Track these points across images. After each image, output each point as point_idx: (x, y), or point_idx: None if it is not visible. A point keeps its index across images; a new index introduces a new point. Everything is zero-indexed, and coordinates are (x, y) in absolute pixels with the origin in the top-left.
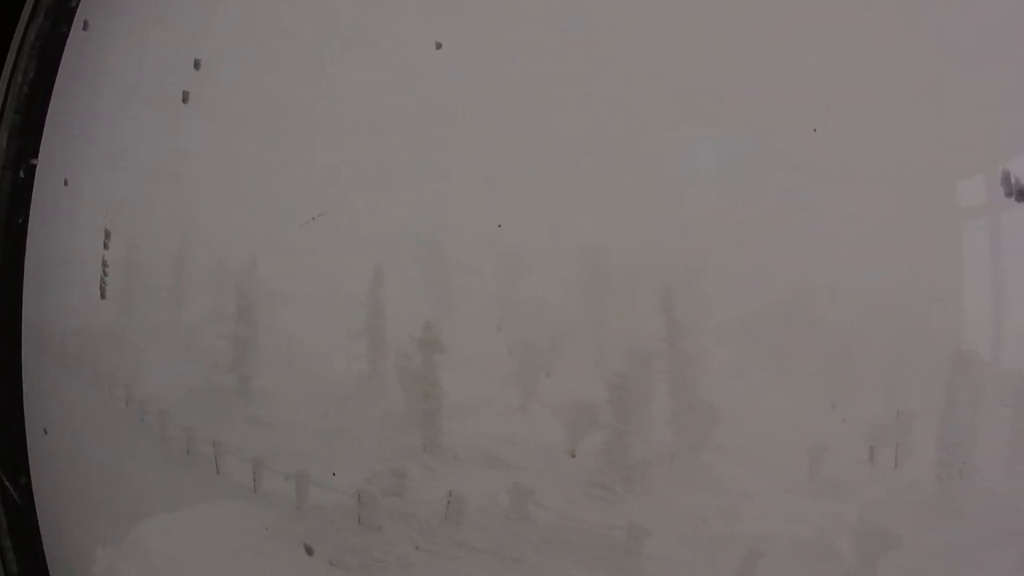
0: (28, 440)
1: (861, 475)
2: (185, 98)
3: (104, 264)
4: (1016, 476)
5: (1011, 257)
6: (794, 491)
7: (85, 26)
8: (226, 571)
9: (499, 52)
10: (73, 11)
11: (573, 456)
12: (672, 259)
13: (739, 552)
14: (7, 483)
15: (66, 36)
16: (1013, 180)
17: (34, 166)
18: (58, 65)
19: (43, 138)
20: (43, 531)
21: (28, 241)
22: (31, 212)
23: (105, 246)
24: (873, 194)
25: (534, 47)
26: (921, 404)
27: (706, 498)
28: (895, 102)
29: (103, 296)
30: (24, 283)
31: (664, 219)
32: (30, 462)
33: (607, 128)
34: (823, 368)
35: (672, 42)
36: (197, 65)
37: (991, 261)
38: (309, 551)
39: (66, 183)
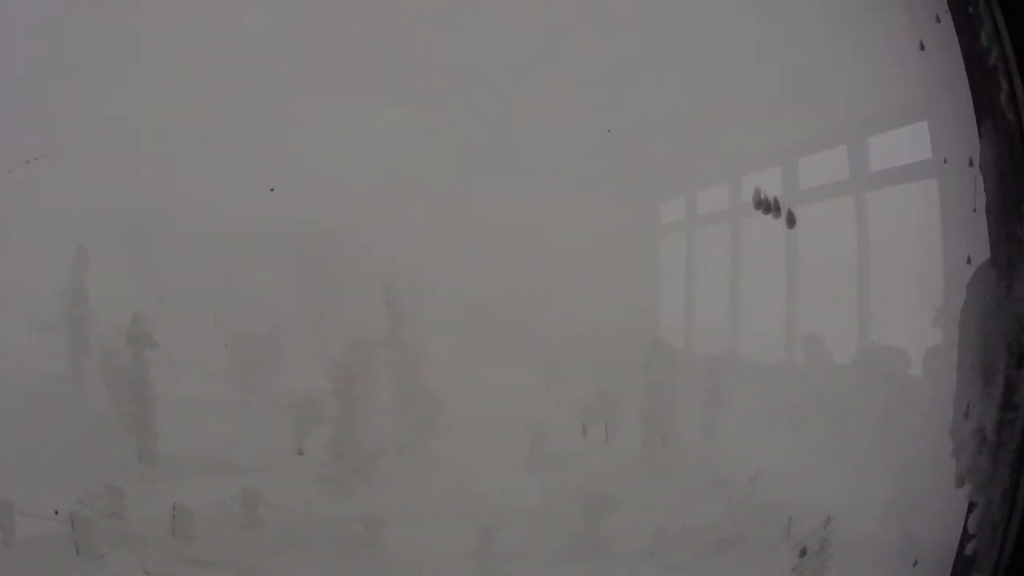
0: None
1: (577, 448)
2: None
3: None
4: (711, 439)
5: (701, 263)
6: (519, 467)
7: None
8: None
9: (219, 43)
10: None
11: (301, 453)
12: (393, 252)
13: (475, 528)
14: None
15: None
16: (763, 196)
17: None
18: None
19: None
20: None
21: None
22: None
23: None
24: (583, 203)
25: (252, 42)
26: (624, 385)
27: (437, 481)
28: (612, 122)
29: None
30: None
31: (385, 212)
32: None
33: (331, 120)
34: (537, 356)
35: (391, 44)
36: None
37: (684, 266)
38: None
39: None
